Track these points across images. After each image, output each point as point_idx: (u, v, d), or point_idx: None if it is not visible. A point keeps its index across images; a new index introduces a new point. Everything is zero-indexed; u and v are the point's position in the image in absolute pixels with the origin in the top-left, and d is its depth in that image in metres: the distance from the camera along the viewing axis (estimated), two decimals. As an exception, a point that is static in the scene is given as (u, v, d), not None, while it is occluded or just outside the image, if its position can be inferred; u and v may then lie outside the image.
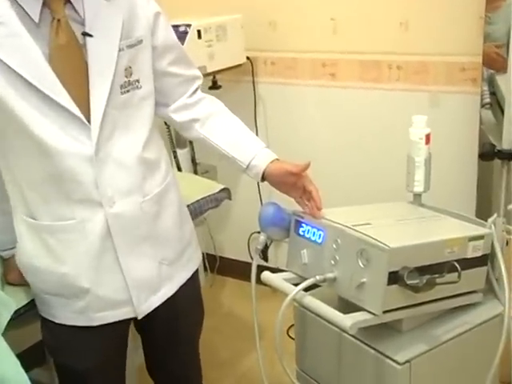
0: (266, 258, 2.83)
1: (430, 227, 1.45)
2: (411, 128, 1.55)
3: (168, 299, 1.43)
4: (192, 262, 1.51)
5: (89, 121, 1.24)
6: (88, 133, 1.24)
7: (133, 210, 1.32)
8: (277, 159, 1.43)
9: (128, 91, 1.29)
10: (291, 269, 1.46)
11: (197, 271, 1.53)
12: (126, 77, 1.28)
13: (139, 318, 1.39)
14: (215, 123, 1.45)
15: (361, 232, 1.29)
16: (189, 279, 1.48)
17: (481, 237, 1.37)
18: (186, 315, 1.52)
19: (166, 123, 2.54)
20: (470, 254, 1.36)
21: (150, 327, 1.49)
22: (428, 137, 1.54)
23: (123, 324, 1.40)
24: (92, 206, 1.28)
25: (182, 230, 1.47)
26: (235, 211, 3.05)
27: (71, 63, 1.22)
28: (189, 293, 1.50)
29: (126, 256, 1.33)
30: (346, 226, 1.33)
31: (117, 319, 1.37)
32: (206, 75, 2.39)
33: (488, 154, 1.57)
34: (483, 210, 2.13)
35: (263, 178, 1.43)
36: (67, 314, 1.36)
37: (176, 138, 2.72)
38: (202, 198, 2.15)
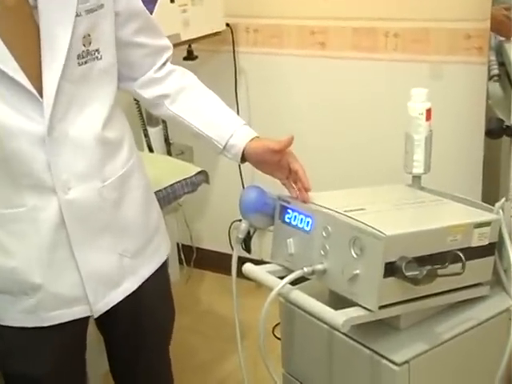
0: (248, 249, 2.84)
1: (431, 213, 1.45)
2: (410, 102, 1.55)
3: (131, 295, 1.43)
4: (159, 254, 1.51)
5: (41, 95, 1.22)
6: (40, 109, 1.23)
7: (91, 196, 1.31)
8: (257, 137, 1.42)
9: (86, 62, 1.27)
10: (276, 260, 1.45)
11: (165, 263, 1.53)
12: (84, 46, 1.26)
13: (95, 316, 1.39)
14: (187, 99, 1.44)
15: (353, 218, 1.29)
16: (155, 272, 1.48)
17: (487, 223, 1.38)
18: (152, 313, 1.51)
19: (135, 98, 2.52)
20: (475, 243, 1.36)
21: (112, 327, 1.49)
22: (429, 112, 1.54)
23: (79, 324, 1.39)
24: (44, 192, 1.27)
25: (148, 219, 1.46)
26: (214, 197, 3.04)
27: (20, 28, 1.20)
28: (155, 287, 1.49)
29: (82, 248, 1.32)
30: (337, 212, 1.32)
31: (71, 318, 1.36)
32: (179, 44, 2.37)
33: (495, 130, 1.57)
34: (490, 194, 2.14)
35: (243, 159, 1.42)
36: (14, 315, 1.35)
37: (147, 115, 2.70)
38: (176, 182, 2.15)
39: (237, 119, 1.45)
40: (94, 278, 1.35)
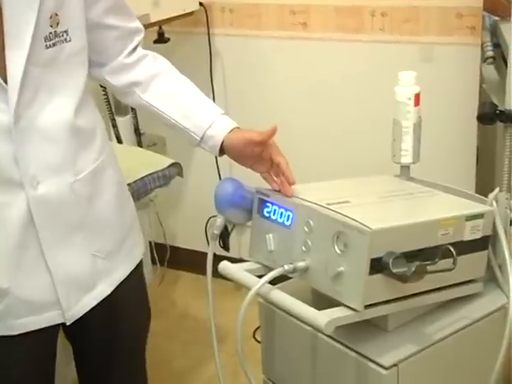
0: (226, 247, 2.84)
1: (420, 205, 1.47)
2: (397, 87, 1.56)
3: (105, 298, 1.42)
4: (134, 254, 1.51)
5: (6, 81, 1.22)
6: (5, 96, 1.22)
7: (62, 192, 1.31)
8: (237, 127, 1.43)
9: (54, 45, 1.26)
10: (255, 257, 1.46)
11: (140, 264, 1.53)
12: (52, 26, 1.25)
13: (68, 323, 1.38)
14: (160, 87, 1.44)
15: (337, 212, 1.29)
16: (131, 273, 1.48)
17: (480, 215, 1.39)
18: (127, 317, 1.51)
19: (101, 84, 2.51)
20: (467, 236, 1.37)
21: (83, 334, 1.48)
22: (417, 97, 1.55)
23: (51, 331, 1.39)
24: (11, 187, 1.26)
25: (122, 215, 1.46)
26: (189, 191, 3.04)
27: None
28: (131, 289, 1.50)
29: (53, 249, 1.32)
30: (320, 205, 1.33)
31: (43, 325, 1.36)
32: (149, 26, 2.36)
33: (487, 115, 1.58)
34: (484, 184, 2.16)
35: (222, 152, 1.43)
36: None
37: (115, 103, 2.70)
38: (147, 175, 2.15)
39: (215, 108, 1.45)
40: (66, 281, 1.35)
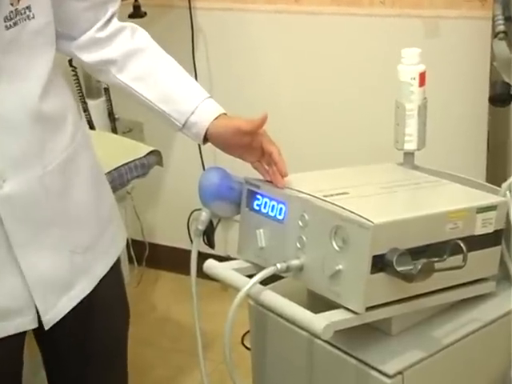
0: (211, 244, 2.84)
1: (426, 196, 1.47)
2: (400, 65, 1.56)
3: (83, 298, 1.43)
4: (114, 247, 1.52)
5: None
6: None
7: (31, 187, 1.31)
8: (224, 114, 1.42)
9: (15, 24, 1.25)
10: (244, 255, 1.46)
11: (119, 259, 1.53)
12: (12, 4, 1.24)
13: (47, 327, 1.38)
14: (138, 66, 1.43)
15: (335, 204, 1.29)
16: (110, 269, 1.48)
17: (493, 207, 1.39)
18: (107, 317, 1.52)
19: (71, 63, 2.50)
20: (478, 230, 1.38)
21: (58, 338, 1.48)
22: (422, 76, 1.55)
23: (17, 337, 1.39)
24: None
25: (100, 206, 1.47)
26: (169, 182, 3.04)
27: None
28: (110, 287, 1.50)
29: (26, 249, 1.32)
30: (316, 197, 1.33)
31: (10, 333, 1.36)
32: (124, -2, 2.35)
33: (501, 96, 1.59)
34: (496, 173, 2.17)
35: (206, 139, 1.42)
36: None
37: (86, 85, 2.68)
38: (123, 165, 2.15)
39: (199, 91, 1.45)
40: (42, 282, 1.35)
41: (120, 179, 2.12)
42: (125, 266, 2.82)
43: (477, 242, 1.37)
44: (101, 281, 1.46)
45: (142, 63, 1.44)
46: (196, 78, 2.69)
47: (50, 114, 1.33)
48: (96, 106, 2.73)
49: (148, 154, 2.25)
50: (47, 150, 1.33)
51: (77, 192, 1.39)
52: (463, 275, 1.36)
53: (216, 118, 1.41)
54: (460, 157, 2.37)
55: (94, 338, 1.52)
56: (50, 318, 1.38)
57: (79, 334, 1.49)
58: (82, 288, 1.42)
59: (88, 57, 1.43)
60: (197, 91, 1.45)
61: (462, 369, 1.40)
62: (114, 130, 2.82)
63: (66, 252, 1.38)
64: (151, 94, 1.42)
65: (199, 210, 1.47)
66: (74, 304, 1.41)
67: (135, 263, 2.97)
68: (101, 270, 1.47)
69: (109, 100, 2.78)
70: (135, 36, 1.45)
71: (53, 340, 1.50)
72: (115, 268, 1.52)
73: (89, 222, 1.43)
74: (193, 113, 1.41)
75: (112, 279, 1.50)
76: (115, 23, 1.44)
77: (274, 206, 1.39)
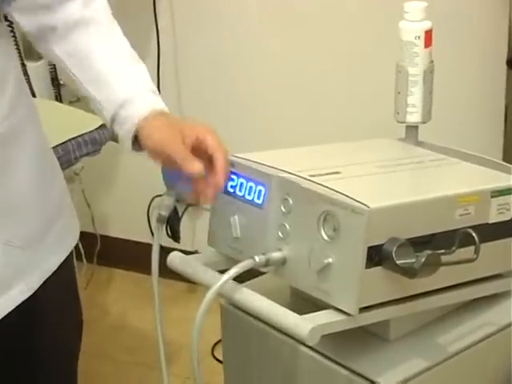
0: (176, 236, 2.84)
1: (432, 177, 1.48)
2: (402, 22, 1.57)
3: (24, 300, 1.42)
4: (66, 240, 1.50)
5: None
6: None
7: None
8: (161, 112, 1.37)
9: None
10: (216, 247, 1.47)
11: (71, 254, 1.53)
12: None
13: None
14: (79, 39, 1.41)
15: (324, 185, 1.30)
16: (60, 266, 1.48)
17: (510, 190, 1.40)
18: (53, 325, 1.51)
19: (6, 17, 2.48)
20: (493, 218, 1.39)
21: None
22: (429, 35, 1.56)
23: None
24: None
25: (47, 191, 1.45)
26: (126, 162, 3.03)
27: None
28: (59, 289, 1.49)
29: None
30: (301, 177, 1.34)
31: None
32: None
33: (520, 59, 1.60)
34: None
35: (136, 142, 1.38)
36: None
37: (25, 44, 2.67)
38: (70, 140, 2.13)
39: (142, 81, 1.41)
40: None
41: (66, 157, 2.11)
42: (72, 263, 2.82)
43: (491, 232, 1.38)
44: (48, 280, 1.45)
45: (83, 37, 1.41)
46: (159, 56, 2.71)
47: None
48: (37, 69, 2.72)
49: (100, 127, 2.23)
50: None
51: (18, 174, 1.38)
52: (474, 270, 1.37)
53: (152, 118, 1.35)
54: (472, 131, 2.38)
55: (37, 350, 1.50)
56: None
57: (20, 343, 1.48)
58: (23, 289, 1.41)
59: (26, 20, 1.42)
60: (139, 80, 1.41)
61: (471, 380, 1.42)
62: (59, 99, 2.80)
63: (1, 245, 1.39)
64: (84, 75, 1.40)
65: (161, 195, 1.47)
66: (12, 307, 1.39)
67: (84, 260, 2.96)
68: (48, 267, 1.45)
69: (52, 63, 2.76)
70: (89, 6, 1.43)
71: None
72: (66, 266, 1.50)
73: (31, 209, 1.41)
74: (124, 103, 1.37)
75: (62, 279, 1.49)
76: None
77: (251, 187, 1.39)
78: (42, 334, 1.50)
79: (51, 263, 1.47)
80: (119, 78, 1.41)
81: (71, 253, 1.53)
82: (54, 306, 1.50)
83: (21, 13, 1.42)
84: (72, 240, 1.54)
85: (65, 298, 1.54)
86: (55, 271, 1.47)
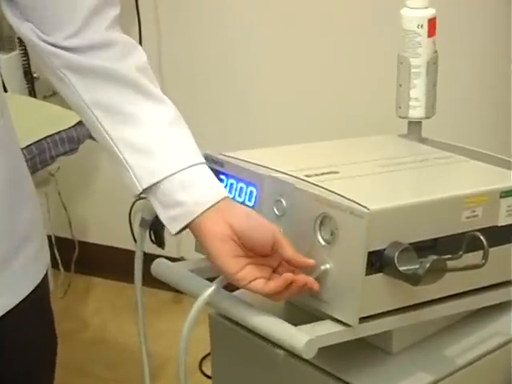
0: (160, 242, 2.84)
1: (437, 176, 1.48)
2: (404, 9, 1.57)
3: None
4: (34, 268, 1.48)
5: None
6: None
7: None
8: (225, 197, 1.30)
9: None
10: (203, 252, 1.46)
11: (44, 280, 1.50)
12: None
13: None
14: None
15: (321, 186, 1.30)
16: (29, 296, 1.46)
17: (521, 190, 1.41)
18: (21, 348, 1.50)
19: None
20: (502, 220, 1.39)
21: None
22: (432, 23, 1.57)
23: None
24: None
25: (15, 214, 1.43)
26: (105, 162, 3.03)
27: None
28: (27, 319, 1.48)
29: None
30: (296, 177, 1.34)
31: None
32: None
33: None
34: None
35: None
36: None
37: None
38: (46, 138, 2.13)
39: (191, 151, 1.33)
40: None
41: (41, 156, 2.11)
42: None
43: (500, 235, 1.38)
44: (9, 315, 1.41)
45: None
46: (139, 25, 2.72)
47: None
48: (8, 61, 2.71)
49: (77, 123, 2.23)
50: None
51: None
52: (483, 277, 1.38)
53: (215, 206, 1.28)
54: (479, 127, 2.39)
55: (8, 372, 1.51)
56: None
57: None
58: None
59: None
60: (187, 150, 1.33)
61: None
62: (33, 93, 2.80)
63: None
64: (115, 129, 1.33)
65: (145, 198, 1.46)
66: None
67: (61, 268, 2.95)
68: (11, 299, 1.42)
69: (25, 54, 2.76)
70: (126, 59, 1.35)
71: None
72: (38, 291, 1.47)
73: None
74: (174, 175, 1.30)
75: (34, 303, 1.46)
76: (114, 32, 1.34)
77: (242, 188, 1.40)
78: (8, 360, 1.49)
79: (12, 297, 1.45)
80: (164, 144, 1.33)
81: (44, 279, 1.50)
82: (23, 330, 1.48)
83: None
84: (41, 267, 1.49)
85: (35, 322, 1.52)
86: (21, 303, 1.45)
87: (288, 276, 1.25)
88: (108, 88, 1.33)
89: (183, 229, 1.30)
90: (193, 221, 1.28)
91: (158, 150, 1.30)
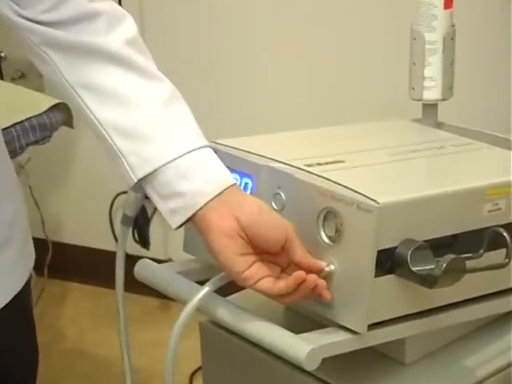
0: (144, 242, 2.85)
1: (454, 165, 1.49)
2: (418, -21, 1.58)
3: None
4: (13, 274, 1.49)
5: None
6: None
7: None
8: (232, 185, 1.30)
9: None
10: (192, 253, 1.48)
11: (26, 288, 1.51)
12: None
13: None
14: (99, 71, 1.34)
15: (324, 177, 1.31)
16: (7, 306, 1.47)
17: (549, 181, 1.42)
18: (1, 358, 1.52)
19: None
20: (528, 215, 1.40)
21: None
22: (449, -5, 1.58)
23: None
24: None
25: None
26: (82, 152, 3.03)
27: None
28: (8, 327, 1.49)
29: None
30: (296, 167, 1.34)
31: None
32: None
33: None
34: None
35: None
36: None
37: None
38: (14, 125, 2.13)
39: (193, 134, 1.32)
40: None
41: (10, 145, 2.10)
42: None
43: (526, 231, 1.39)
44: None
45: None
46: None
47: None
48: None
49: (50, 108, 2.23)
50: None
51: None
52: (506, 279, 1.38)
53: (218, 195, 1.28)
54: (502, 110, 2.39)
55: None
56: None
57: None
58: None
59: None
60: (187, 132, 1.32)
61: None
62: (0, 75, 2.81)
63: None
64: (104, 113, 1.33)
65: (126, 192, 1.45)
66: None
67: (32, 272, 2.96)
68: None
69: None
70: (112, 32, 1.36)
71: None
72: (19, 300, 1.48)
73: None
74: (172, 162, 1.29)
75: (12, 315, 1.48)
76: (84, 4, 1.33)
77: (236, 179, 1.38)
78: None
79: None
80: (158, 126, 1.32)
81: (27, 283, 1.51)
82: (3, 337, 1.49)
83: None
84: (25, 270, 1.51)
85: (16, 329, 1.53)
86: (3, 306, 1.46)
87: (300, 274, 1.24)
88: (94, 66, 1.32)
89: (185, 222, 1.29)
90: (195, 213, 1.27)
91: (153, 134, 1.29)
